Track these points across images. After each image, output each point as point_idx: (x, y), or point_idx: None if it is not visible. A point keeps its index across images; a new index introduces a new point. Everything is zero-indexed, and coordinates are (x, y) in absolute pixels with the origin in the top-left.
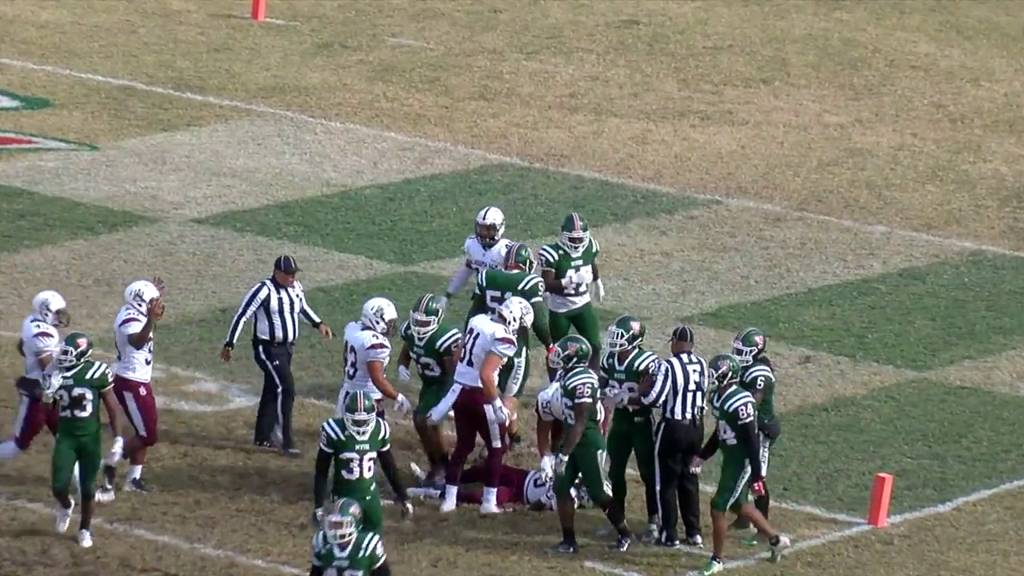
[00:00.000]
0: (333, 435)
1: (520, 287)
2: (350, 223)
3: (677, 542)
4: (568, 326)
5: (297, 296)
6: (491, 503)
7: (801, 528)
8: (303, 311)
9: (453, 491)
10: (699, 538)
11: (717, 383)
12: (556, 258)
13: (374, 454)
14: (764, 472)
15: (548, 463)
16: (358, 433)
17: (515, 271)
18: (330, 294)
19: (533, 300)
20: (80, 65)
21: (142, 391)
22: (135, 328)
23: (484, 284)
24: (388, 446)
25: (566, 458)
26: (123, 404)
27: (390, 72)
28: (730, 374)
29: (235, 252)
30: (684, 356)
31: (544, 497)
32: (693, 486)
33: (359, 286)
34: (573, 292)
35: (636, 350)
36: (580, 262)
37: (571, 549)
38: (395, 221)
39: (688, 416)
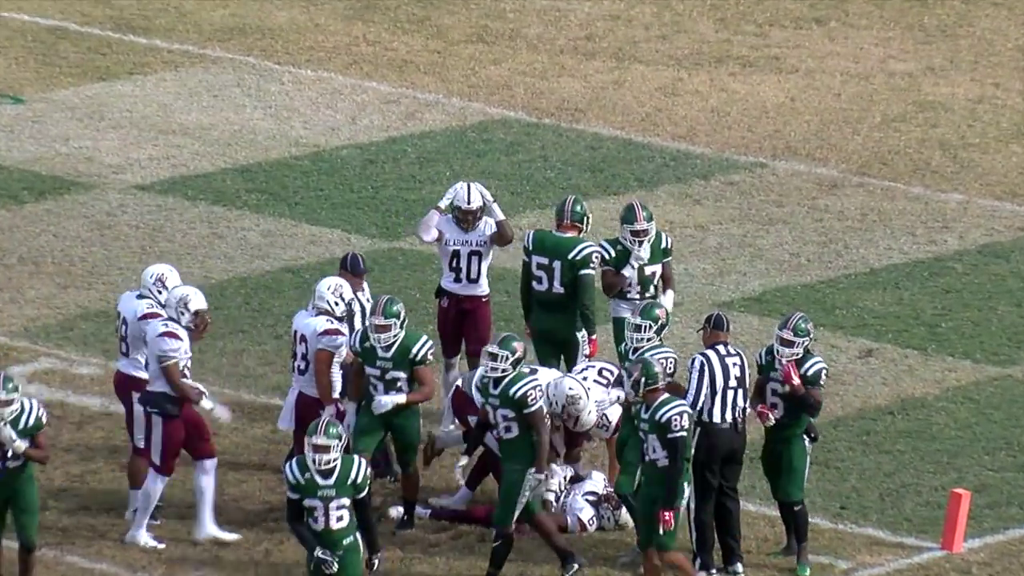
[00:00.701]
0: (292, 478)
1: (572, 255)
2: (324, 190)
3: (714, 571)
4: None
5: (368, 301)
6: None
7: (861, 554)
8: None
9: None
10: (740, 566)
11: (634, 391)
12: (614, 255)
13: (346, 501)
14: (684, 500)
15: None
16: (320, 472)
17: (569, 234)
18: (300, 275)
19: (583, 272)
20: (2, 4)
21: None
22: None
23: (531, 247)
24: (365, 492)
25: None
26: (128, 408)
27: (371, 10)
28: (645, 379)
29: (186, 225)
30: (720, 348)
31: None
32: (733, 503)
33: (335, 265)
34: (638, 296)
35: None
36: (644, 261)
37: (576, 565)
38: (377, 188)
39: (728, 419)
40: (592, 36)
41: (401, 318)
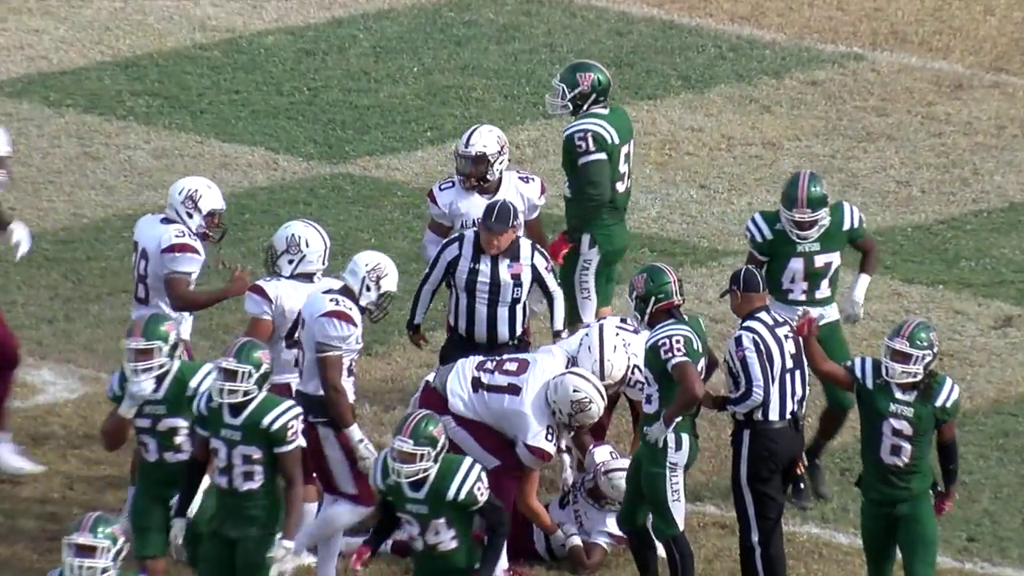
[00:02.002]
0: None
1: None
2: (240, 92)
3: None
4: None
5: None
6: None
7: None
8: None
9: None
10: None
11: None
12: (767, 238)
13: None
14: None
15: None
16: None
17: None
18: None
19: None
20: None
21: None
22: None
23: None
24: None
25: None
26: None
27: None
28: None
29: (47, 141)
30: (764, 316)
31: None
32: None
33: (256, 197)
34: (803, 295)
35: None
36: (815, 246)
37: None
38: (316, 90)
39: (788, 414)
40: None
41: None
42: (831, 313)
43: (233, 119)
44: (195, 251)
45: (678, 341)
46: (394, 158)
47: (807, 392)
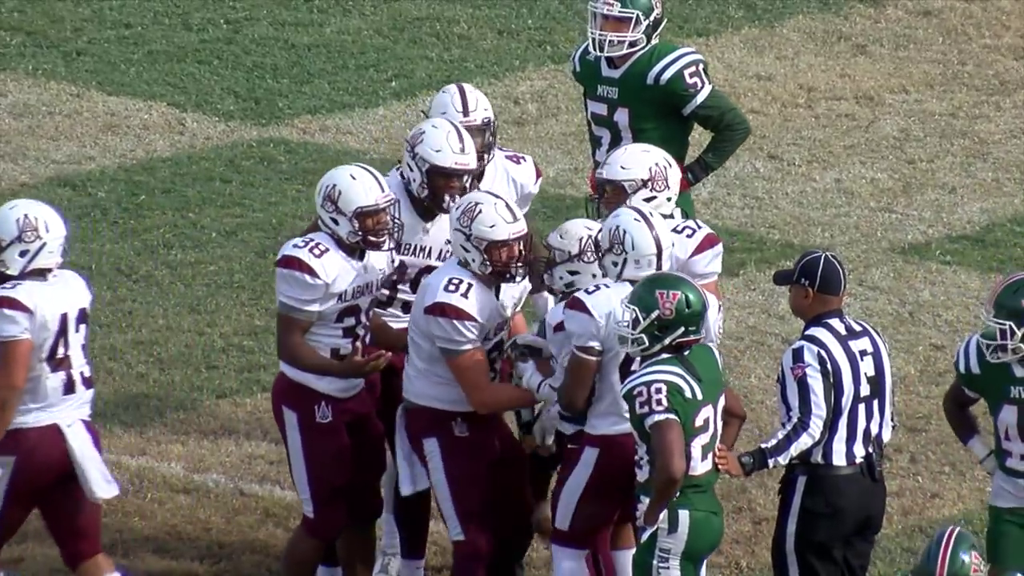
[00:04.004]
0: None
1: None
2: (133, 27)
3: None
4: None
5: None
6: None
7: None
8: None
9: None
10: None
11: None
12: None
13: None
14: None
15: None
16: None
17: None
18: (83, 190)
19: None
20: None
21: (319, 410)
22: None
23: None
24: None
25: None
26: (281, 430)
27: None
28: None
29: None
30: (835, 323)
31: None
32: None
33: (156, 171)
34: None
35: None
36: None
37: None
38: (237, 23)
39: (859, 456)
40: None
41: None
42: None
43: (123, 63)
44: None
45: (658, 391)
46: (346, 117)
47: (891, 430)
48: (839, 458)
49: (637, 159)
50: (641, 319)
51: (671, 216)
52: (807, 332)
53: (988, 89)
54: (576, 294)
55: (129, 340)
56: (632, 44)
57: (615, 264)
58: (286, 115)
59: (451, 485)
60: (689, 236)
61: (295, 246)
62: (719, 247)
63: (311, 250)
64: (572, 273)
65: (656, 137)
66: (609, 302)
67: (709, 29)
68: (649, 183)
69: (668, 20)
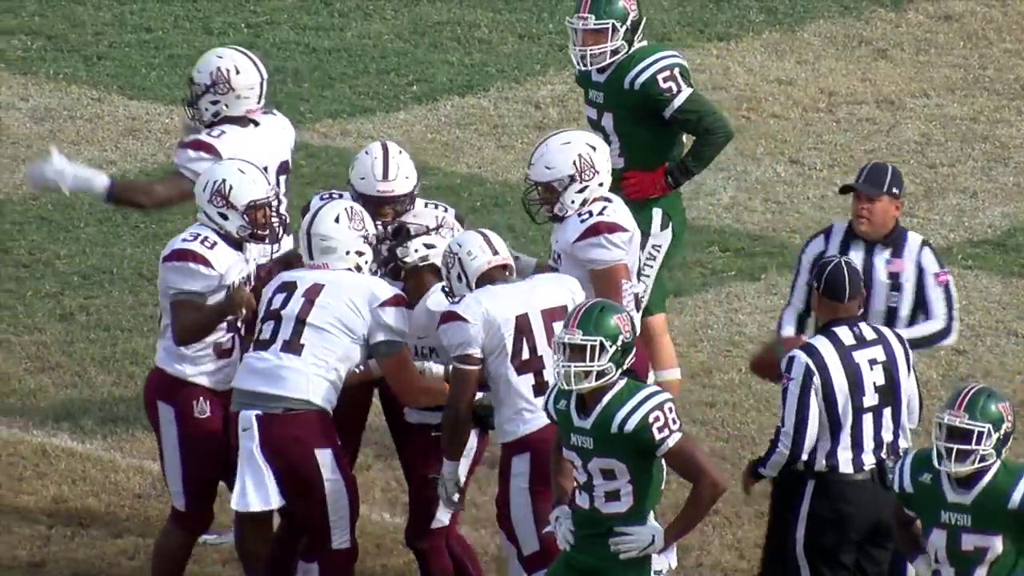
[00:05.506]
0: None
1: None
2: (154, 31)
3: None
4: None
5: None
6: None
7: None
8: None
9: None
10: None
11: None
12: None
13: None
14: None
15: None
16: None
17: None
18: None
19: None
20: None
21: (197, 404)
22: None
23: None
24: None
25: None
26: (155, 425)
27: None
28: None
29: None
30: (842, 332)
31: None
32: None
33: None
34: None
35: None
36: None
37: None
38: (258, 27)
39: (867, 465)
40: None
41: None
42: None
43: (143, 67)
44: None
45: (671, 409)
46: (367, 121)
47: (905, 439)
48: (846, 466)
49: (560, 155)
50: (607, 347)
51: (608, 199)
52: (809, 339)
53: (1009, 93)
54: (446, 308)
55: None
56: (614, 52)
57: (460, 279)
58: (307, 119)
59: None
60: (583, 221)
61: (184, 240)
62: (601, 238)
63: (202, 243)
64: (428, 247)
65: (641, 141)
66: (479, 304)
67: (730, 33)
68: (577, 176)
69: (685, 24)
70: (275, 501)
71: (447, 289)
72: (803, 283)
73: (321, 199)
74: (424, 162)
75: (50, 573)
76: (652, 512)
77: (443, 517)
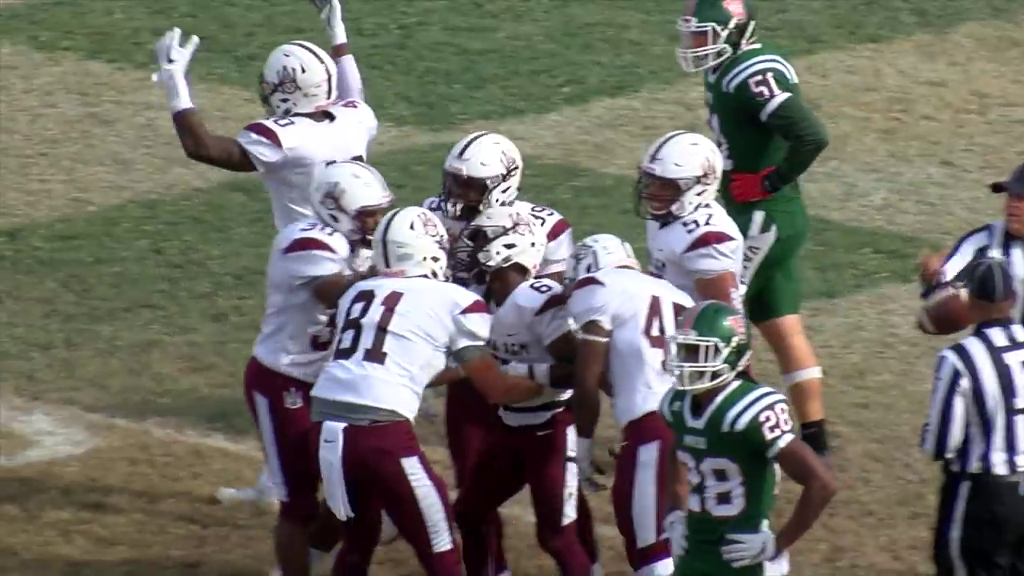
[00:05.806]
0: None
1: None
2: (304, 31)
3: None
4: None
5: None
6: None
7: None
8: None
9: None
10: None
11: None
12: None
13: None
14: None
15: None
16: None
17: None
18: (256, 194)
19: None
20: None
21: (288, 395)
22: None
23: None
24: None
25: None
26: (254, 416)
27: None
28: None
29: (38, 99)
30: (995, 333)
31: None
32: None
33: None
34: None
35: None
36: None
37: None
38: (410, 28)
39: (1021, 466)
40: None
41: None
42: None
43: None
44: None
45: (783, 410)
46: (518, 123)
47: None
48: (1001, 468)
49: (690, 155)
50: (721, 348)
51: (707, 206)
52: (961, 340)
53: None
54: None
55: None
56: (718, 55)
57: (589, 270)
58: (459, 120)
59: None
60: (690, 232)
61: (302, 230)
62: (711, 248)
63: (320, 230)
64: (508, 247)
65: (744, 143)
66: (618, 274)
67: (881, 35)
68: (703, 178)
69: (836, 27)
70: (343, 514)
71: (535, 286)
72: (955, 264)
73: (431, 207)
74: (575, 163)
75: (205, 573)
76: (766, 519)
77: (570, 511)
